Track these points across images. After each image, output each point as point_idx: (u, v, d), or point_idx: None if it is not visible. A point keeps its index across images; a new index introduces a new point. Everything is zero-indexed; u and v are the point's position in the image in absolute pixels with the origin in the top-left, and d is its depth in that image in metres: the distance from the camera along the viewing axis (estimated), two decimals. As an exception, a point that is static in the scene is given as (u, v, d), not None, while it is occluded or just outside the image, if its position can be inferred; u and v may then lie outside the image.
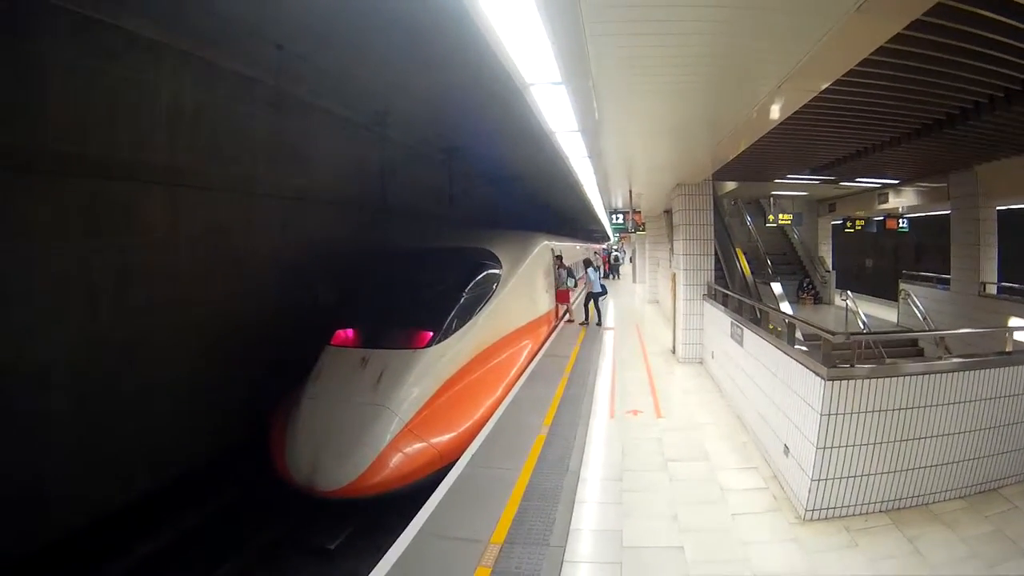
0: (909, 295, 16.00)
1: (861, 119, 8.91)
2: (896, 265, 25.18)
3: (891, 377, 5.64)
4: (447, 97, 13.06)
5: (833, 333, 5.83)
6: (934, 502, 5.82)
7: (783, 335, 7.58)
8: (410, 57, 10.49)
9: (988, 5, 5.02)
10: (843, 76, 5.79)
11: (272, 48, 9.95)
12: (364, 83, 12.33)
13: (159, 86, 9.06)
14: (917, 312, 15.25)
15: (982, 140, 10.12)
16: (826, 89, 6.19)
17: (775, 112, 7.08)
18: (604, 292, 18.94)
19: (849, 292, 16.21)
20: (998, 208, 14.35)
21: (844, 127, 9.41)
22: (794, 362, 6.38)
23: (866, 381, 5.58)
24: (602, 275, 22.85)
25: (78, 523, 7.94)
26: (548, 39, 4.44)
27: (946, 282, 16.11)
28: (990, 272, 14.23)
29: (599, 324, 18.37)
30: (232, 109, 10.57)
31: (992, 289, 13.87)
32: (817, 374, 5.70)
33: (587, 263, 20.69)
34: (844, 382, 5.53)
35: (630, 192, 16.44)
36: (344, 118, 13.88)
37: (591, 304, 18.45)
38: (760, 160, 12.46)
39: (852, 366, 5.68)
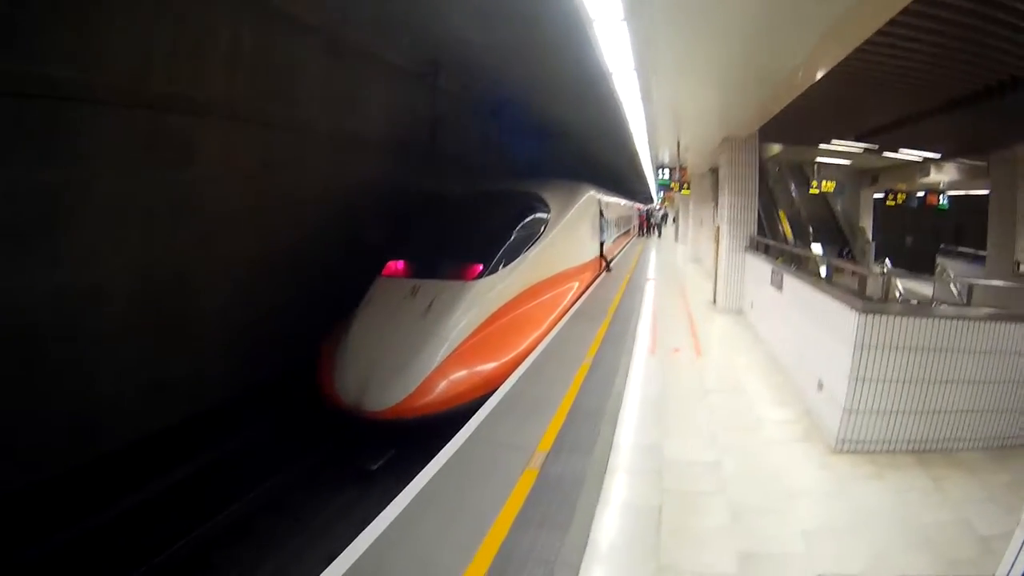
0: (945, 269, 15.98)
1: (906, 83, 8.95)
2: (935, 244, 24.89)
3: (923, 317, 5.78)
4: (501, 47, 13.08)
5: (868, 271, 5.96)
6: (958, 449, 5.94)
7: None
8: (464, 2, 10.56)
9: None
10: (887, 29, 5.85)
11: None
12: (418, 32, 12.43)
13: (218, 26, 9.18)
14: (953, 288, 15.25)
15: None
16: (871, 48, 6.23)
17: (822, 61, 7.16)
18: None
19: (887, 260, 16.21)
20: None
21: (888, 91, 9.45)
22: (831, 299, 6.57)
23: (898, 318, 5.72)
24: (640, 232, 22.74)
25: (116, 445, 8.20)
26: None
27: (982, 259, 16.08)
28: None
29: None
30: (290, 52, 10.71)
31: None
32: (853, 308, 5.88)
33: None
34: (878, 316, 5.69)
35: (677, 145, 16.48)
36: (397, 66, 13.98)
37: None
38: (806, 121, 12.49)
39: (885, 300, 5.85)
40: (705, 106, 10.89)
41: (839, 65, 7.54)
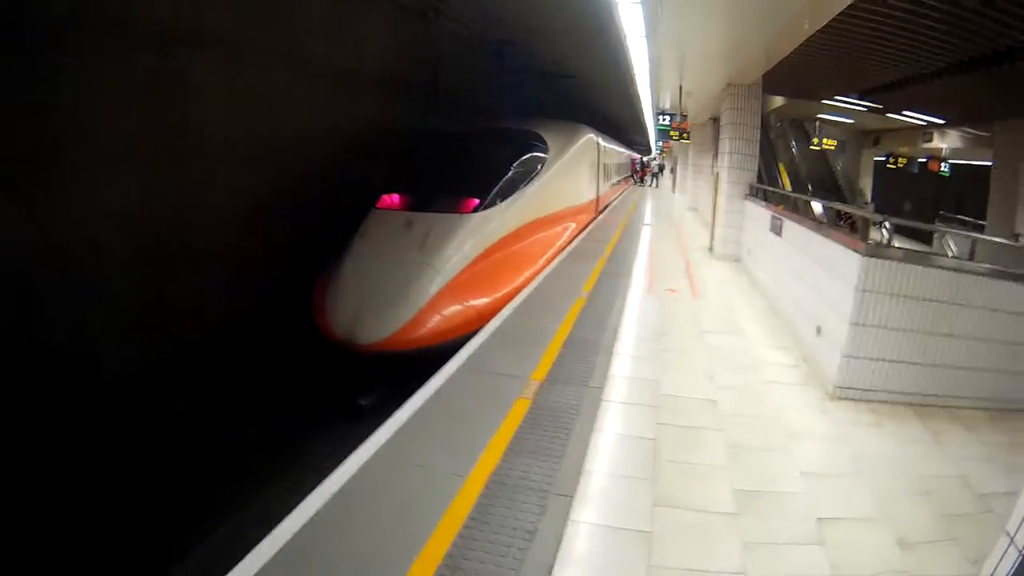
0: (944, 236, 15.90)
1: (913, 43, 8.71)
2: (934, 211, 24.74)
3: (923, 266, 5.68)
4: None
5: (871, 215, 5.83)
6: (958, 407, 5.85)
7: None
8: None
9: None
10: None
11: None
12: None
13: None
14: (950, 252, 15.21)
15: None
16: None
17: (828, 4, 6.91)
18: None
19: (887, 223, 16.10)
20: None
21: (895, 48, 9.21)
22: (833, 243, 6.45)
23: (900, 264, 5.62)
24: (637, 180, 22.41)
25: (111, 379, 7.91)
26: None
27: (981, 228, 16.03)
28: None
29: None
30: None
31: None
32: (855, 251, 5.77)
33: None
34: (879, 261, 5.60)
35: (680, 92, 16.21)
36: (401, 4, 13.64)
37: None
38: (810, 73, 12.23)
39: (887, 245, 5.74)
40: (711, 46, 10.61)
41: (846, 14, 7.29)
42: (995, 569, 2.60)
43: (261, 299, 10.19)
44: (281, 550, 3.31)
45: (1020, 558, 2.49)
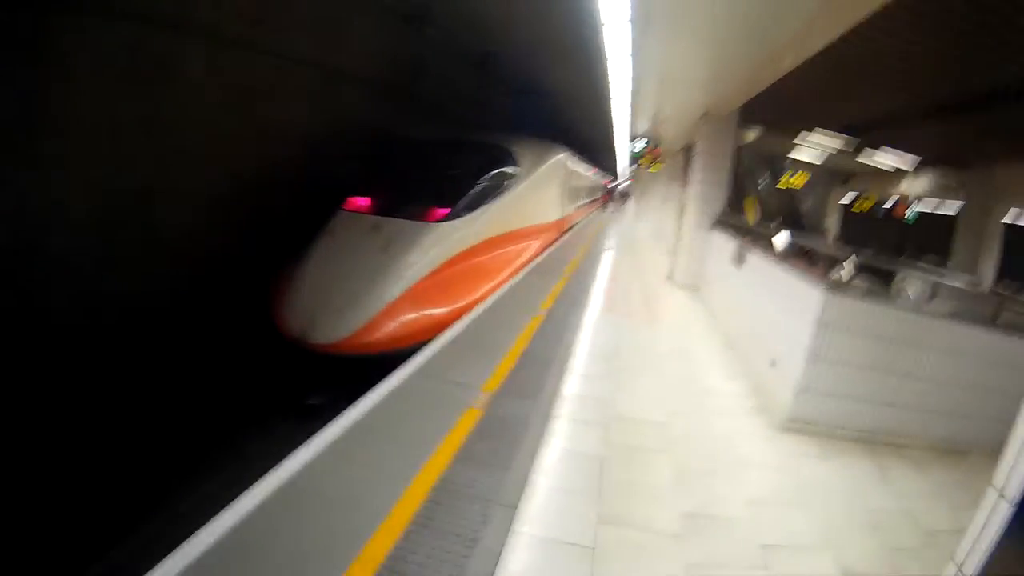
0: (904, 280, 16.24)
1: (897, 78, 8.92)
2: (897, 258, 25.25)
3: (886, 305, 5.77)
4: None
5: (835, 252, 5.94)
6: (906, 445, 5.94)
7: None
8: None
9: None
10: (883, 13, 5.79)
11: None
12: None
13: None
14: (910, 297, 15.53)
15: (1009, 131, 10.17)
16: (864, 35, 6.15)
17: (815, 38, 7.05)
18: None
19: (853, 256, 16.34)
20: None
21: (875, 85, 9.44)
22: (795, 278, 6.52)
23: (862, 302, 5.70)
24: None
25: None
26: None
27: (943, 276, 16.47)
28: (987, 274, 14.47)
29: None
30: None
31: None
32: (817, 286, 5.84)
33: None
34: (842, 297, 5.68)
35: (655, 117, 16.38)
36: (387, 7, 13.66)
37: None
38: (792, 104, 12.43)
39: (848, 282, 5.84)
40: (692, 72, 10.74)
41: (830, 48, 7.44)
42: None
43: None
44: (218, 542, 3.26)
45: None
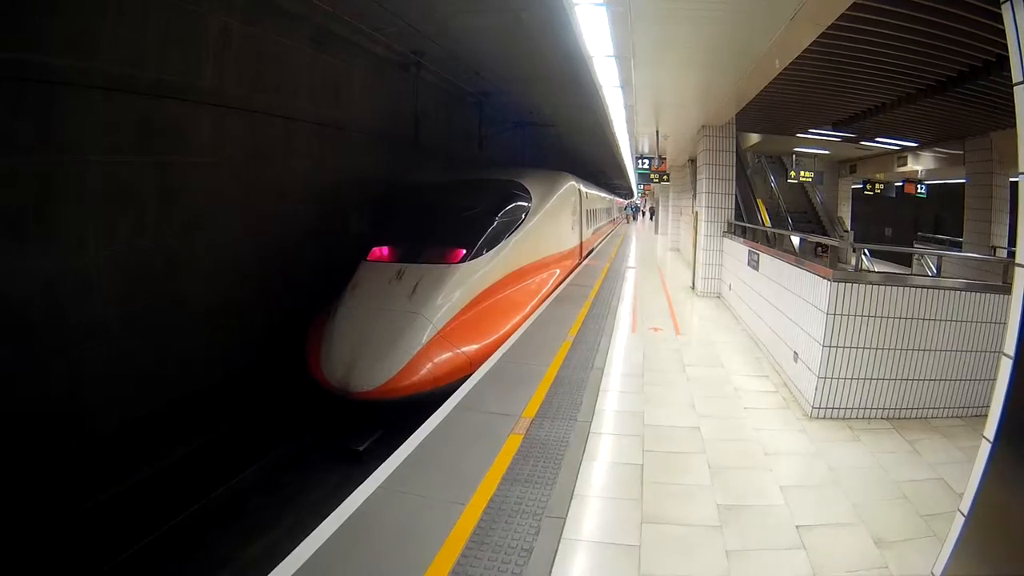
0: (923, 256, 16.26)
1: (877, 71, 9.17)
2: (915, 235, 25.19)
3: (893, 286, 6.01)
4: (483, 38, 13.24)
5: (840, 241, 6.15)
6: (933, 416, 6.15)
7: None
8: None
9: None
10: (854, 13, 6.05)
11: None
12: (403, 24, 12.39)
13: (208, 18, 9.19)
14: (928, 271, 15.55)
15: (996, 102, 10.35)
16: (840, 35, 6.39)
17: (796, 40, 7.28)
18: None
19: (866, 250, 16.39)
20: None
21: (860, 78, 9.67)
22: (805, 271, 6.82)
23: (871, 287, 5.96)
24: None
25: (108, 428, 8.06)
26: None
27: (959, 245, 16.47)
28: (1000, 238, 14.54)
29: None
30: (277, 42, 10.76)
31: (1002, 254, 14.11)
32: (824, 278, 6.13)
33: None
34: (849, 285, 5.94)
35: (657, 135, 16.68)
36: (383, 58, 14.06)
37: None
38: (781, 110, 12.67)
39: (856, 271, 6.06)
40: (684, 93, 11.06)
41: (813, 48, 7.71)
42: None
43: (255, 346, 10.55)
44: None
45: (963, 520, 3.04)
